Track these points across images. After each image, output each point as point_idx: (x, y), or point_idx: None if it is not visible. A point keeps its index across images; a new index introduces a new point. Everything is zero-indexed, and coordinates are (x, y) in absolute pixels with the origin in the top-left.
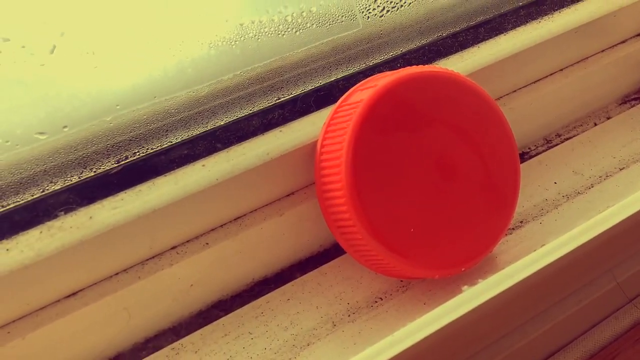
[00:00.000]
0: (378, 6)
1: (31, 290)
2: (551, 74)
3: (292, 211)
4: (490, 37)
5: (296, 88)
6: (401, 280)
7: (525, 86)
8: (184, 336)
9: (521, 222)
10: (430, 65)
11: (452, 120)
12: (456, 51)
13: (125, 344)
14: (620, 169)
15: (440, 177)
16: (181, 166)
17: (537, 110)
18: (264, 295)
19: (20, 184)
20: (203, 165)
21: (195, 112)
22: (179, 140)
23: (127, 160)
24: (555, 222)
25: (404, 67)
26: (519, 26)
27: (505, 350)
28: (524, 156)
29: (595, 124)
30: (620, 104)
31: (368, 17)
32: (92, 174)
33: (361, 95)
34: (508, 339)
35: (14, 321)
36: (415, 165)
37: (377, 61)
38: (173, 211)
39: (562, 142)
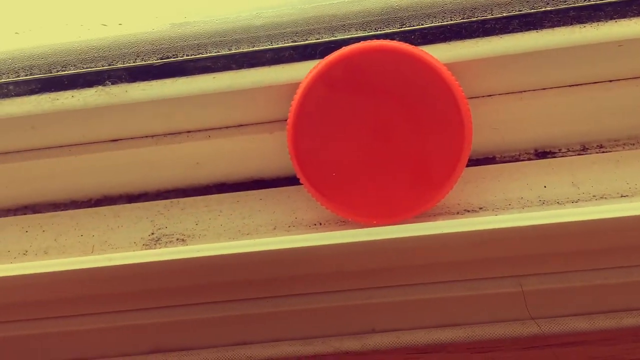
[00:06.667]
0: None
1: None
2: (596, 82)
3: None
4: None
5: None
6: None
7: (557, 87)
8: (181, 197)
9: (478, 208)
10: (415, 46)
11: (401, 96)
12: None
13: None
14: (621, 196)
15: (376, 138)
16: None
17: (572, 115)
18: (251, 190)
19: None
20: (214, 78)
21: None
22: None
23: None
24: None
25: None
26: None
27: None
28: (546, 155)
29: None
30: None
31: None
32: None
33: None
34: None
35: None
36: (354, 124)
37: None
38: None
39: (596, 153)
